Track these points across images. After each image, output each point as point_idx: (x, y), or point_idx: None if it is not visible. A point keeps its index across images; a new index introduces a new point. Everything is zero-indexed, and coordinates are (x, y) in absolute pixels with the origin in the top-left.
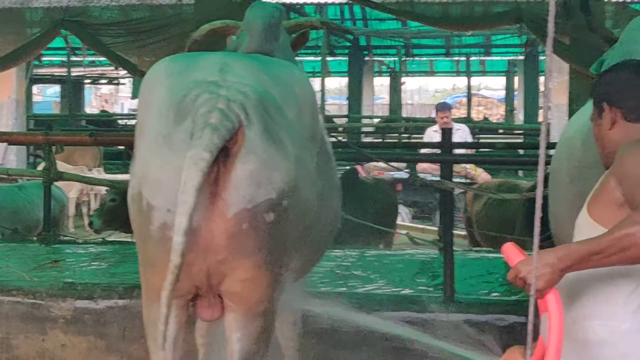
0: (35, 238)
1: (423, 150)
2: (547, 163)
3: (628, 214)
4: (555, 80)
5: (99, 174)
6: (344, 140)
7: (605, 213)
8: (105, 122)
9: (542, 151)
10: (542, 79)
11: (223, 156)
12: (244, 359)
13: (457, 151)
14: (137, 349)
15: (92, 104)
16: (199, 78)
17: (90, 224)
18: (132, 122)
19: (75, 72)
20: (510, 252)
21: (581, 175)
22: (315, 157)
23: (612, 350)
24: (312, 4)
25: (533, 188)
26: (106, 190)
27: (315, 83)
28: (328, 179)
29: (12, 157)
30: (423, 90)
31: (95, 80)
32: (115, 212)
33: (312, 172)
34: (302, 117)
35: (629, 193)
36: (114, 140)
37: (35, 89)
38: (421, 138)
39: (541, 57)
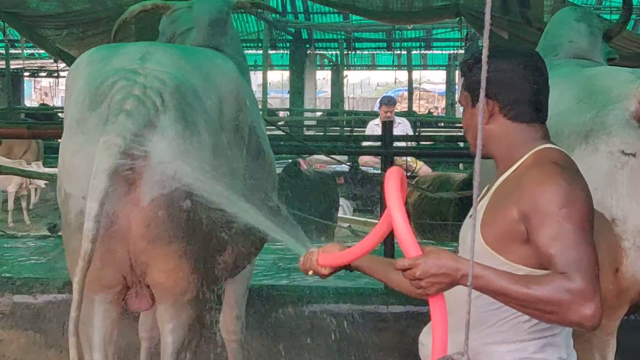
0: None
1: (365, 144)
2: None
3: (553, 274)
4: None
5: (38, 167)
6: (287, 132)
7: (507, 247)
8: (46, 115)
9: (479, 146)
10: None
11: (137, 143)
12: (177, 349)
13: (398, 144)
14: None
15: (32, 97)
16: (118, 66)
17: (53, 227)
18: None
19: (14, 64)
20: (401, 225)
21: None
22: (241, 148)
23: None
24: None
25: (465, 181)
26: (45, 184)
27: (257, 76)
28: (259, 171)
29: None
30: (365, 84)
31: (34, 73)
32: None
33: (234, 162)
34: (223, 107)
35: (541, 243)
36: (51, 133)
37: None
38: (363, 132)
39: None
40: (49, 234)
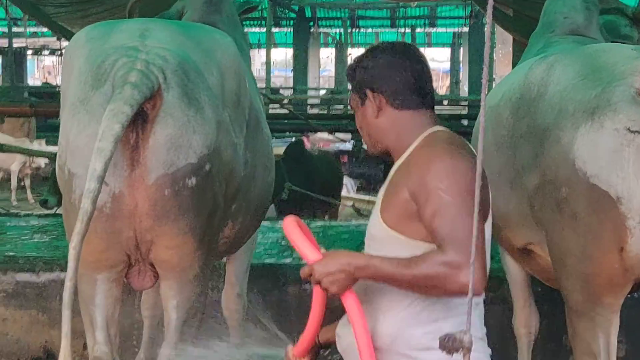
0: None
1: None
2: None
3: (430, 251)
4: (500, 51)
5: (40, 146)
6: (290, 111)
7: (407, 226)
8: (49, 93)
9: (481, 122)
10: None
11: (141, 122)
12: (181, 325)
13: None
14: (80, 323)
15: (35, 75)
16: (118, 43)
17: (44, 202)
18: None
19: (17, 43)
20: (297, 238)
21: (510, 144)
22: (241, 123)
23: (442, 353)
24: None
25: None
26: (45, 163)
27: (261, 55)
28: (258, 147)
29: None
30: None
31: (37, 52)
32: None
33: (237, 138)
34: (224, 83)
35: (427, 217)
36: (54, 111)
37: None
38: None
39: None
40: (53, 212)
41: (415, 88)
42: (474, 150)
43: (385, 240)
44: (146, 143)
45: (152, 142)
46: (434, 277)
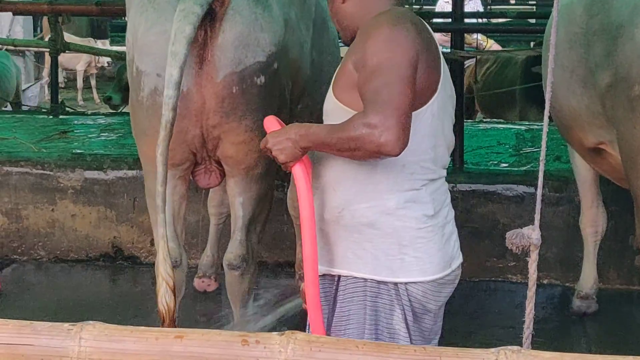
0: (44, 109)
1: (434, 20)
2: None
3: (355, 114)
4: None
5: (103, 45)
6: None
7: (351, 97)
8: None
9: (554, 19)
10: None
11: (210, 20)
12: (247, 222)
13: (469, 21)
14: (146, 219)
15: None
16: None
17: (108, 99)
18: None
19: None
20: (270, 123)
21: (583, 42)
22: (307, 22)
23: (385, 228)
24: None
25: (528, 59)
26: (107, 62)
27: None
28: (324, 46)
29: (18, 29)
30: None
31: None
32: None
33: (303, 37)
34: None
35: (361, 84)
36: (121, 10)
37: None
38: (433, 9)
39: None
40: (119, 111)
41: None
42: (428, 26)
43: (334, 113)
44: (215, 41)
45: (220, 40)
46: (356, 139)
